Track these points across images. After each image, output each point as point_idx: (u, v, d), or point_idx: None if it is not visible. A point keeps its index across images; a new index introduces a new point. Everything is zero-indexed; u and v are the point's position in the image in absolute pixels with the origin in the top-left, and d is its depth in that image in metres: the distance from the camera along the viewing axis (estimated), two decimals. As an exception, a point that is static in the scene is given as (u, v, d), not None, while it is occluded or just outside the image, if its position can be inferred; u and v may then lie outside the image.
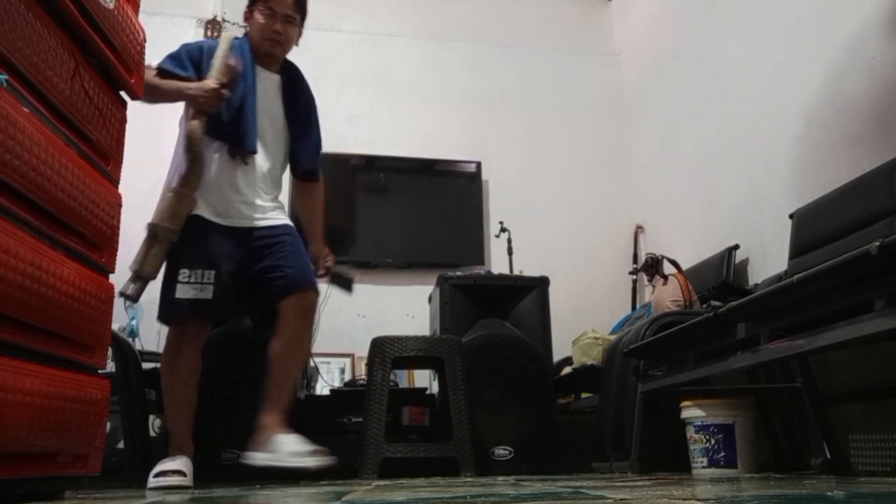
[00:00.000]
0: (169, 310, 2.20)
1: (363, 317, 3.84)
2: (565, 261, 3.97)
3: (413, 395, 3.17)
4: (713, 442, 2.30)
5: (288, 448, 2.04)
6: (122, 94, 1.61)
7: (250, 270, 2.24)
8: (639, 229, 4.21)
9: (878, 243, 1.27)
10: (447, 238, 4.08)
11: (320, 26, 4.37)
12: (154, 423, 3.24)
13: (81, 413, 1.33)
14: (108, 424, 1.54)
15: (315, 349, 3.44)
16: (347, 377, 3.69)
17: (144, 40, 1.66)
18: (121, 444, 2.48)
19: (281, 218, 2.35)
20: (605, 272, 4.12)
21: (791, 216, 2.58)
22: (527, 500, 1.08)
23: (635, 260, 4.09)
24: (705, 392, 2.38)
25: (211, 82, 2.23)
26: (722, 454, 2.28)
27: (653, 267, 3.01)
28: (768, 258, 2.85)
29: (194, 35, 4.19)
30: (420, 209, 4.15)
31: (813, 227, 2.43)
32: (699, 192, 3.54)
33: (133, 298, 2.07)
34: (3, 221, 1.12)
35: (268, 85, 2.41)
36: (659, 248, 3.57)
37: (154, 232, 2.09)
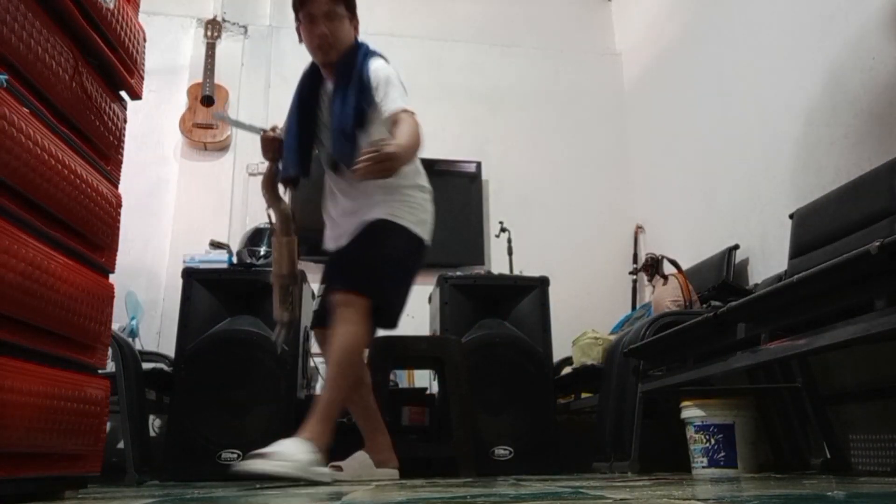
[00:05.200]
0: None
1: (363, 317, 3.84)
2: (565, 261, 3.98)
3: (413, 395, 3.17)
4: (713, 442, 2.30)
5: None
6: (122, 94, 1.61)
7: None
8: (639, 229, 4.21)
9: (878, 243, 1.27)
10: (447, 238, 4.07)
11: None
12: (154, 423, 3.24)
13: (81, 413, 1.33)
14: (108, 424, 1.54)
15: (315, 349, 3.45)
16: (347, 377, 3.68)
17: (144, 40, 1.66)
18: (121, 444, 2.48)
19: (365, 219, 2.20)
20: (605, 272, 4.12)
21: (791, 216, 2.58)
22: (527, 500, 1.08)
23: (635, 260, 4.09)
24: (705, 392, 2.38)
25: (270, 133, 2.32)
26: (722, 454, 2.28)
27: (653, 267, 3.01)
28: (768, 258, 2.85)
29: (194, 35, 4.19)
30: (420, 209, 4.14)
31: (813, 227, 2.43)
32: (699, 192, 3.54)
33: (280, 346, 2.36)
34: (2, 221, 1.12)
35: (328, 95, 2.28)
36: (659, 248, 3.57)
37: (268, 283, 2.29)
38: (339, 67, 2.22)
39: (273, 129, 2.35)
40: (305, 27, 2.23)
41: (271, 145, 2.32)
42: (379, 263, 2.13)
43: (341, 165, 2.20)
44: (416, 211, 2.24)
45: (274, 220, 2.28)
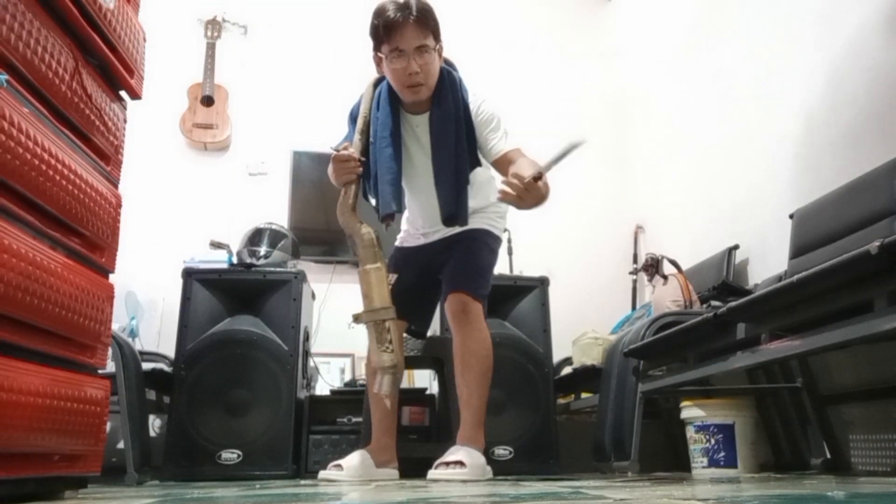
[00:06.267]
0: None
1: (363, 317, 3.83)
2: (565, 261, 3.97)
3: (413, 395, 3.17)
4: (713, 442, 2.30)
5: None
6: (122, 93, 1.61)
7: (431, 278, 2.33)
8: (639, 229, 4.21)
9: (878, 243, 1.27)
10: (447, 238, 4.07)
11: (322, 26, 4.38)
12: (154, 423, 3.24)
13: (81, 413, 1.33)
14: (108, 424, 1.54)
15: (315, 349, 3.45)
16: (347, 377, 3.69)
17: (144, 40, 1.66)
18: (121, 444, 2.48)
19: (467, 227, 2.24)
20: (605, 272, 4.12)
21: (791, 216, 2.58)
22: (527, 500, 1.08)
23: (635, 260, 4.09)
24: (705, 392, 2.38)
25: (344, 151, 2.11)
26: (722, 454, 2.28)
27: (653, 267, 3.00)
28: (768, 258, 2.85)
29: (194, 35, 4.19)
30: (420, 209, 4.13)
31: (813, 227, 2.43)
32: (699, 192, 3.54)
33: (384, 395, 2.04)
34: (2, 221, 1.12)
35: (417, 131, 2.21)
36: (659, 248, 3.57)
37: (358, 322, 2.02)
38: (437, 110, 2.16)
39: (344, 147, 2.16)
40: (392, 63, 2.09)
41: (347, 166, 2.12)
42: (488, 272, 2.31)
43: (456, 216, 2.16)
44: (502, 222, 2.44)
45: (357, 248, 2.06)
